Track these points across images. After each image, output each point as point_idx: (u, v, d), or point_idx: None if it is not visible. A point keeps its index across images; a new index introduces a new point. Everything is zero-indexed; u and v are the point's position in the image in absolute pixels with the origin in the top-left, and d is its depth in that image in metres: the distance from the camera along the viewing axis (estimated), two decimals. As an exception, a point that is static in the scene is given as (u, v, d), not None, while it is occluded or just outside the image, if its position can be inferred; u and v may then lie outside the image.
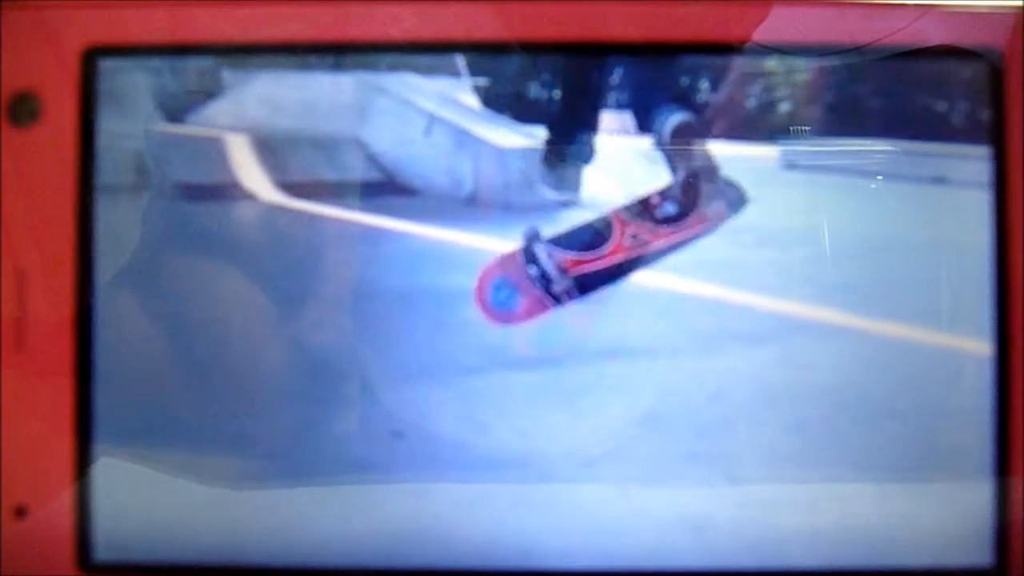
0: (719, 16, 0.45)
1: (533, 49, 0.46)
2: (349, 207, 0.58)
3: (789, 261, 0.63)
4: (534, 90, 0.60)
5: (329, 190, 0.59)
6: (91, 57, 0.45)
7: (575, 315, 0.62)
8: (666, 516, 0.50)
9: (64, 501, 0.46)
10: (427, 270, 0.67)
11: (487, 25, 0.44)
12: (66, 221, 0.46)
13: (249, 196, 0.60)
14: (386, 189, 0.65)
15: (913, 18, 0.43)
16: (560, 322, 0.66)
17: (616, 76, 0.57)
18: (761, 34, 0.44)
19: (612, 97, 0.57)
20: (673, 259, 0.67)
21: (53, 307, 0.46)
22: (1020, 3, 0.45)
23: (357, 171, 0.60)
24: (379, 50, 0.47)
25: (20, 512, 0.46)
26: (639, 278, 0.63)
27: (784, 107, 0.61)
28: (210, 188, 0.58)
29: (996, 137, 0.45)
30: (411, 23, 0.44)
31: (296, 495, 0.50)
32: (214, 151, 0.59)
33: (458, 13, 0.44)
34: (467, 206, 0.76)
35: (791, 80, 0.58)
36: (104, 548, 0.47)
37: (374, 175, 0.64)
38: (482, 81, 0.66)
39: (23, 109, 0.45)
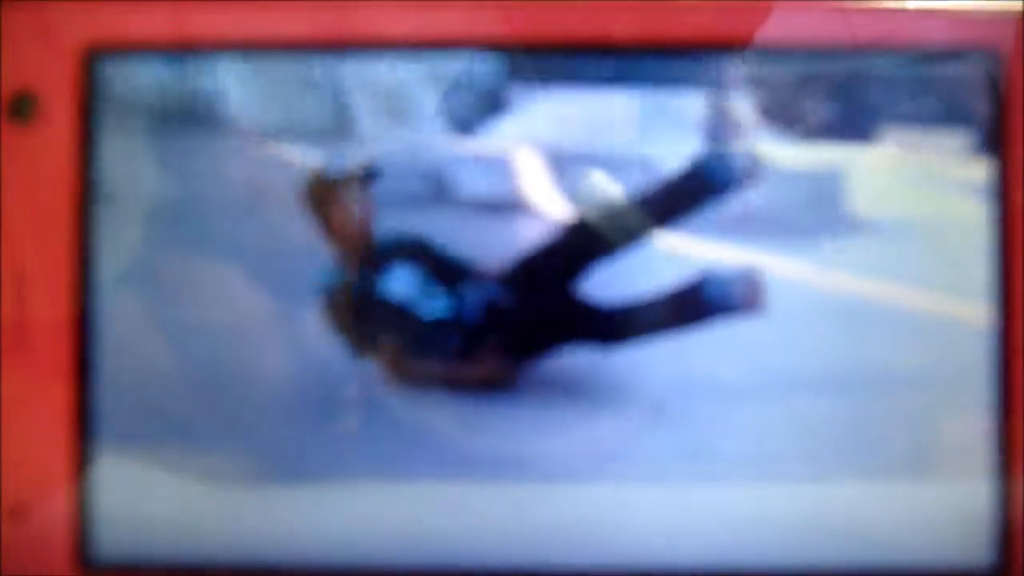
0: (717, 16, 0.45)
1: (533, 49, 0.46)
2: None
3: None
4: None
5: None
6: (91, 56, 0.45)
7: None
8: (669, 514, 0.50)
9: (64, 501, 0.47)
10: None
11: (488, 25, 0.44)
12: (66, 221, 0.46)
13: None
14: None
15: (913, 18, 0.43)
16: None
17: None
18: (757, 34, 0.44)
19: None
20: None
21: (53, 307, 0.46)
22: (1020, 4, 0.45)
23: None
24: (381, 51, 0.47)
25: (20, 512, 0.46)
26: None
27: (782, 111, 0.61)
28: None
29: (996, 140, 0.45)
30: (412, 23, 0.44)
31: (297, 495, 0.50)
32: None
33: (458, 13, 0.44)
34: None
35: (790, 83, 0.58)
36: (104, 548, 0.47)
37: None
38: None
39: (22, 108, 0.45)
